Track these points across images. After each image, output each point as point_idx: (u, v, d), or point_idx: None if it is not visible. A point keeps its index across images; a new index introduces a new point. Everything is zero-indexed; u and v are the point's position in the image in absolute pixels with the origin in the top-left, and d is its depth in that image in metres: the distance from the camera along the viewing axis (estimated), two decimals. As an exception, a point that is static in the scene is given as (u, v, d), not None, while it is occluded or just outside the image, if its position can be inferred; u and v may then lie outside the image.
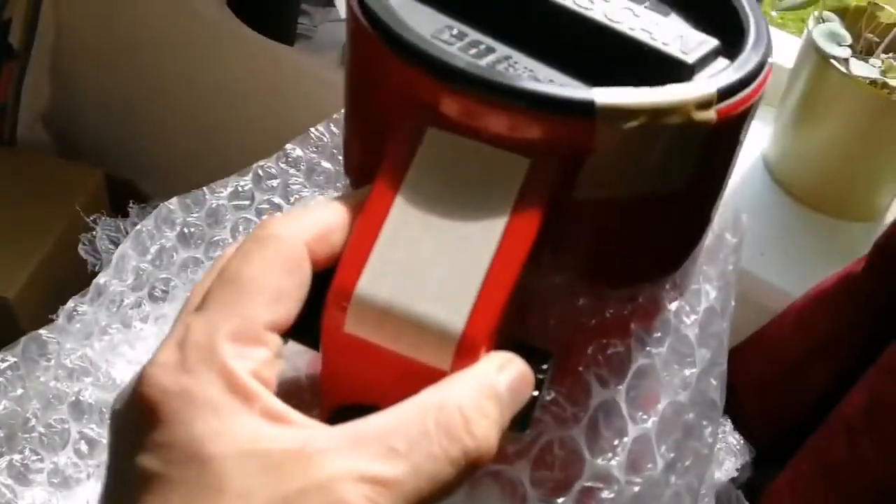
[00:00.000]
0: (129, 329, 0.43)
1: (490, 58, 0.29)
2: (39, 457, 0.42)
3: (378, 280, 0.25)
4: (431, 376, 0.25)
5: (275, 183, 0.50)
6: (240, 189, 0.49)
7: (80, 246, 0.50)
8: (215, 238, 0.49)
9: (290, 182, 0.50)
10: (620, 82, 0.26)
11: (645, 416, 0.33)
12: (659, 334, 0.33)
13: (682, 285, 0.33)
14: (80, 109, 1.20)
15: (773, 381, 0.57)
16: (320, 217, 0.27)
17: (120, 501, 0.23)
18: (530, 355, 0.27)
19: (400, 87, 0.27)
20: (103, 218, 0.54)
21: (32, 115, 1.17)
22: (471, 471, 0.24)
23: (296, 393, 0.29)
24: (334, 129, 0.51)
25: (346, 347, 0.26)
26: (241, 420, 0.23)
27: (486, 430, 0.24)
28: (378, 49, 0.27)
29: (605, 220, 0.28)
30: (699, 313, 0.34)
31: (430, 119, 0.27)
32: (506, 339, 0.26)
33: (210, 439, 0.22)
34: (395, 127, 0.27)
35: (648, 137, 0.26)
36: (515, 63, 0.29)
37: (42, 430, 0.43)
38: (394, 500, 0.22)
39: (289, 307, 0.25)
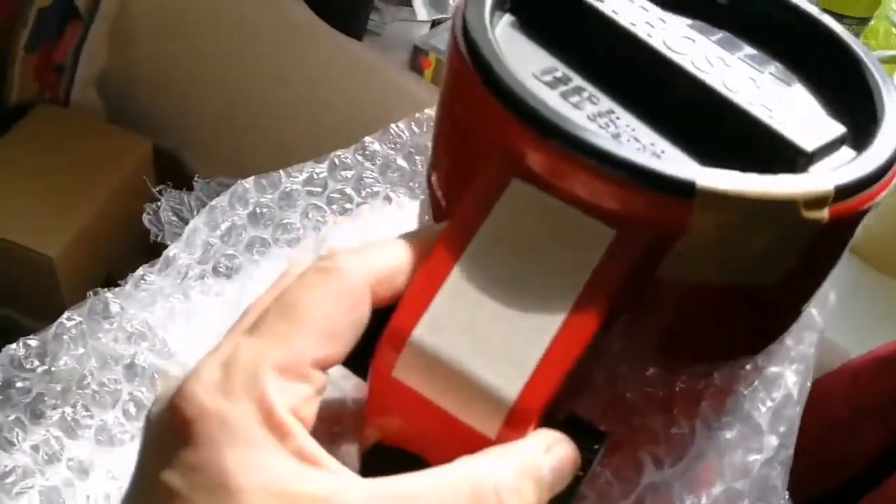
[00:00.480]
0: (188, 300, 0.42)
1: (591, 109, 0.27)
2: (90, 413, 0.42)
3: (436, 330, 0.24)
4: (475, 440, 0.24)
5: (349, 174, 0.50)
6: (315, 176, 0.49)
7: (145, 215, 0.50)
8: (285, 221, 0.49)
9: (364, 175, 0.50)
10: (729, 157, 0.25)
11: (696, 500, 0.32)
12: (729, 418, 0.32)
13: (763, 367, 0.32)
14: (135, 78, 1.20)
15: (823, 438, 0.56)
16: (387, 257, 0.26)
17: None
18: (582, 432, 0.25)
19: (491, 129, 0.26)
20: (169, 190, 0.54)
21: (87, 78, 1.17)
22: None
23: (338, 417, 0.29)
24: (414, 128, 0.51)
25: (393, 391, 0.25)
26: (273, 456, 0.22)
27: None
28: (475, 86, 0.26)
29: (686, 302, 0.27)
30: (775, 400, 0.33)
31: (518, 169, 0.25)
32: (560, 412, 0.25)
33: (239, 471, 0.22)
34: (481, 169, 0.26)
35: (748, 228, 0.24)
36: (617, 119, 0.27)
37: (95, 387, 0.43)
38: None
39: (341, 346, 0.25)
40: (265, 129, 1.06)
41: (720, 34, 0.30)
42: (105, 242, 0.96)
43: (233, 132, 1.12)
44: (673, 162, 0.25)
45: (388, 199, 0.50)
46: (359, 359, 0.25)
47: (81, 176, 1.02)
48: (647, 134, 0.27)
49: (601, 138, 0.24)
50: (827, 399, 0.57)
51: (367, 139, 0.50)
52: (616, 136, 0.26)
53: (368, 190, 0.50)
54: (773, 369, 0.33)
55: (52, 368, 0.42)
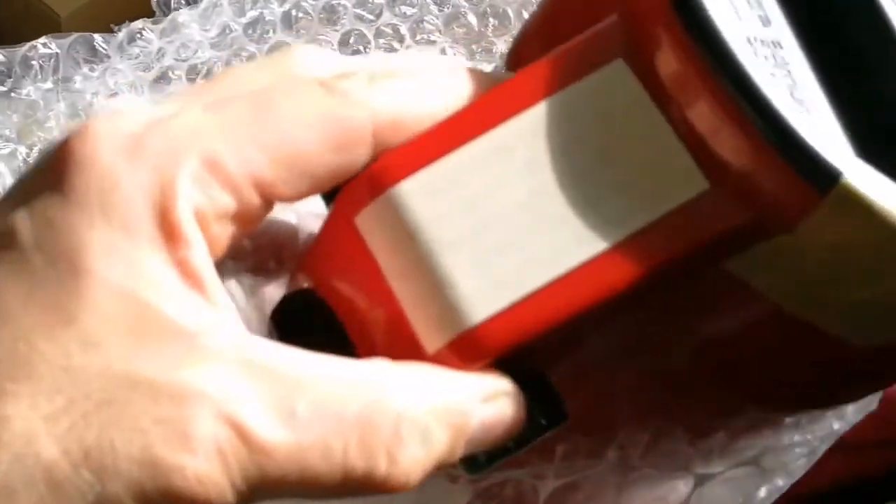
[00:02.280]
0: (166, 85, 0.37)
1: (755, 28, 0.20)
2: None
3: (430, 193, 0.19)
4: (408, 344, 0.19)
5: (410, 11, 0.43)
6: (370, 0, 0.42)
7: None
8: (321, 36, 0.43)
9: (426, 18, 0.43)
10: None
11: None
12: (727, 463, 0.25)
13: (806, 427, 0.26)
14: None
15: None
16: (418, 97, 0.20)
17: None
18: (541, 400, 0.20)
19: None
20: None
21: None
22: (364, 492, 0.18)
23: (280, 249, 0.23)
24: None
25: (345, 239, 0.20)
26: (146, 254, 0.17)
27: (411, 463, 0.18)
28: None
29: (745, 322, 0.21)
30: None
31: (634, 49, 0.19)
32: (530, 364, 0.20)
33: (97, 252, 0.17)
34: (588, 29, 0.20)
35: (877, 257, 0.18)
36: (782, 58, 0.20)
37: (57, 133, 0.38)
38: (246, 467, 0.17)
39: (304, 182, 0.19)
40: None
41: None
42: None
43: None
44: (823, 133, 0.18)
45: (443, 52, 0.43)
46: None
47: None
48: (806, 81, 0.20)
49: (754, 68, 0.18)
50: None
51: (444, -20, 0.44)
52: (770, 73, 0.19)
53: (426, 37, 0.44)
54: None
55: (13, 94, 0.37)
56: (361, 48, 0.43)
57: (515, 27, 0.43)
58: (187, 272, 0.18)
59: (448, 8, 0.44)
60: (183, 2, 0.40)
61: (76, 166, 0.18)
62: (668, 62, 0.18)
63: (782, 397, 0.23)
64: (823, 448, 0.25)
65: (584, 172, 0.18)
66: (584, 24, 0.20)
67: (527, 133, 0.19)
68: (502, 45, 0.43)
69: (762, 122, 0.17)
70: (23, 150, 0.38)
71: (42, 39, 0.36)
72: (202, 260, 0.18)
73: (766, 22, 0.20)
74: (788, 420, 0.25)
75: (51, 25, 0.38)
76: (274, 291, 0.24)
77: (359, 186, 0.20)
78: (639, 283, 0.18)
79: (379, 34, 0.43)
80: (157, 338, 0.17)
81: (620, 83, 0.19)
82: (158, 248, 0.18)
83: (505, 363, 0.19)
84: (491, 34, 0.44)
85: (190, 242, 0.18)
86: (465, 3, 0.43)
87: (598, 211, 0.18)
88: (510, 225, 0.18)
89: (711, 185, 0.18)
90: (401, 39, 0.43)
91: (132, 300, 0.17)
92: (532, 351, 0.19)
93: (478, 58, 0.43)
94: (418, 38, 0.43)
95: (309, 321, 0.21)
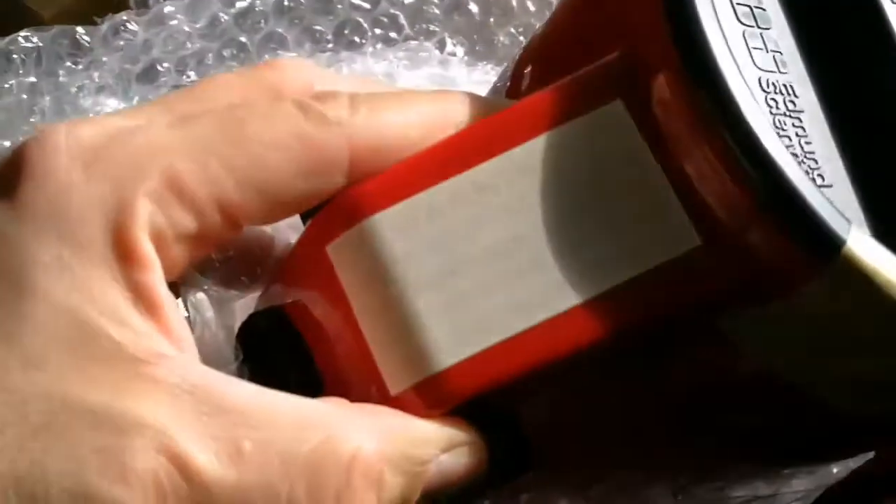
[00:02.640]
0: (154, 78, 0.35)
1: (765, 72, 0.18)
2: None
3: (407, 227, 0.18)
4: (372, 381, 0.18)
5: (408, 0, 0.42)
6: (367, -12, 0.41)
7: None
8: (316, 26, 0.41)
9: (425, 7, 0.42)
10: None
11: None
12: None
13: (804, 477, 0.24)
14: None
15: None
16: (404, 122, 0.19)
17: None
18: (507, 446, 0.19)
19: (634, 19, 0.18)
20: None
21: None
22: None
23: (255, 264, 0.22)
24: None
25: (316, 265, 0.19)
26: (98, 274, 0.16)
27: None
28: None
29: (731, 380, 0.19)
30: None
31: (631, 92, 0.18)
32: (497, 410, 0.19)
33: (46, 270, 0.16)
34: (588, 64, 0.18)
35: (877, 332, 0.17)
36: (794, 97, 0.18)
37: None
38: (185, 500, 0.15)
39: (272, 208, 0.18)
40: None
41: None
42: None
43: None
44: (830, 195, 0.17)
45: (442, 43, 0.42)
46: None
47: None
48: (818, 131, 0.18)
49: (760, 121, 0.16)
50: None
51: (446, -33, 0.42)
52: (780, 126, 0.17)
53: (424, 27, 0.42)
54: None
55: (-6, 92, 0.36)
56: (357, 39, 0.41)
57: (519, 18, 0.42)
58: (141, 296, 0.17)
59: (449, -3, 0.42)
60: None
61: (29, 177, 0.17)
62: (667, 109, 0.17)
63: (773, 454, 0.21)
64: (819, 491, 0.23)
65: (569, 219, 0.17)
66: (585, 54, 0.19)
67: (512, 172, 0.18)
68: (504, 38, 0.41)
69: (762, 182, 0.16)
70: (6, 144, 0.37)
71: (23, 32, 0.35)
72: (157, 283, 0.17)
73: (781, 65, 0.18)
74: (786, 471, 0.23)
75: (33, 24, 0.37)
76: (246, 306, 0.23)
77: (334, 214, 0.19)
78: (614, 339, 0.17)
79: (376, 24, 0.41)
80: (101, 363, 0.16)
81: (616, 126, 0.17)
82: (111, 268, 0.17)
83: (472, 406, 0.18)
84: (493, 25, 0.42)
85: (145, 265, 0.17)
86: (467, -9, 0.42)
87: (579, 260, 0.17)
88: (486, 269, 0.17)
89: (704, 242, 0.17)
90: (399, 29, 0.42)
91: (78, 322, 0.16)
92: (502, 395, 0.18)
93: (478, 50, 0.41)
94: (417, 28, 0.41)
95: (275, 341, 0.20)
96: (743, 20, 0.18)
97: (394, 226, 0.18)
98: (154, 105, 0.19)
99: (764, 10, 0.19)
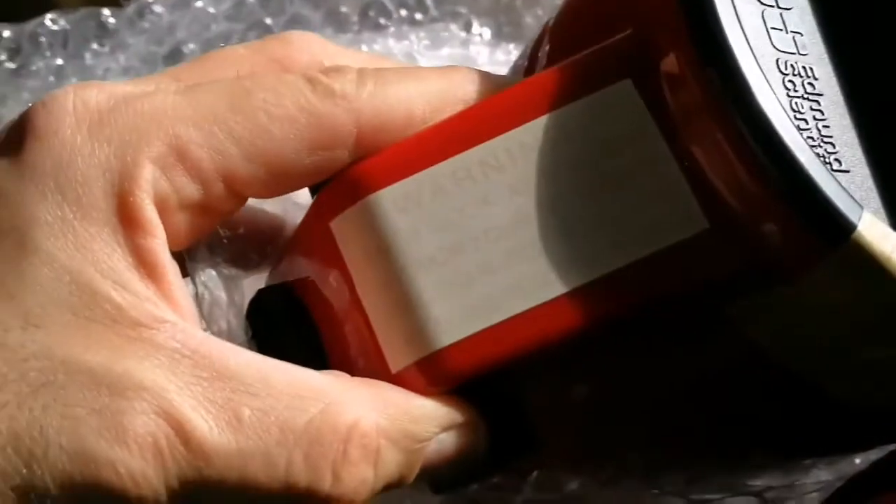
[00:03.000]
0: (181, 60, 0.36)
1: (785, 53, 0.17)
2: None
3: (410, 205, 0.18)
4: (374, 357, 0.18)
5: (435, -19, 0.41)
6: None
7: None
8: (342, 8, 0.41)
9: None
10: None
11: None
12: None
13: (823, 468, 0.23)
14: None
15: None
16: (410, 98, 0.18)
17: None
18: (509, 430, 0.19)
19: (642, 3, 0.18)
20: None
21: None
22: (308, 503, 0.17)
23: (265, 242, 0.22)
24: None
25: (320, 241, 0.19)
26: (100, 236, 0.16)
27: (357, 483, 0.17)
28: None
29: (740, 369, 0.19)
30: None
31: (641, 71, 0.17)
32: (503, 390, 0.19)
33: (48, 230, 0.16)
34: (600, 42, 0.18)
35: (886, 320, 0.16)
36: (812, 90, 0.17)
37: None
38: (183, 468, 0.16)
39: (280, 181, 0.18)
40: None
41: None
42: None
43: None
44: (845, 181, 0.16)
45: (468, 25, 0.41)
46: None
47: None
48: (838, 114, 0.17)
49: (774, 102, 0.16)
50: None
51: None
52: (797, 109, 0.17)
53: (449, 7, 0.42)
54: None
55: (22, 71, 0.36)
56: (382, 20, 0.41)
57: (546, 0, 0.41)
58: (142, 260, 0.17)
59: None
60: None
61: (35, 138, 0.17)
62: (678, 89, 0.16)
63: (790, 444, 0.21)
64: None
65: (575, 199, 0.17)
66: (598, 34, 0.19)
67: (518, 151, 0.17)
68: (531, 19, 0.41)
69: (773, 166, 0.15)
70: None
71: (50, 15, 0.35)
72: (160, 249, 0.17)
73: (801, 46, 0.18)
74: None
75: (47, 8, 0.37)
76: (255, 284, 0.23)
77: (338, 189, 0.19)
78: (618, 320, 0.17)
79: (401, 4, 0.41)
80: (102, 324, 0.16)
81: (625, 106, 0.17)
82: (114, 231, 0.17)
83: (474, 386, 0.18)
84: (520, 6, 0.41)
85: (148, 230, 0.17)
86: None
87: (584, 242, 0.17)
88: (489, 248, 0.17)
89: (712, 225, 0.16)
90: (424, 10, 0.41)
91: (79, 283, 0.16)
92: (506, 375, 0.18)
93: (505, 31, 0.41)
94: (441, 9, 0.41)
95: (283, 319, 0.20)
96: (763, 0, 0.18)
97: (397, 202, 0.18)
98: (163, 75, 0.19)
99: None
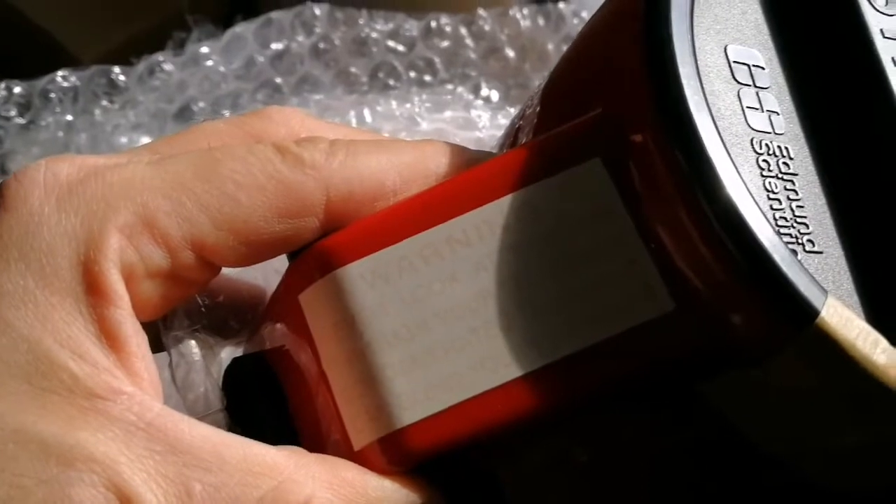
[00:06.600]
0: (190, 118, 0.36)
1: (761, 133, 0.17)
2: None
3: (378, 280, 0.17)
4: (337, 433, 0.18)
5: (445, 44, 0.42)
6: (402, 31, 0.41)
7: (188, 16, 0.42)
8: (351, 69, 0.41)
9: (459, 51, 0.41)
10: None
11: None
12: None
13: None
14: None
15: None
16: (384, 170, 0.18)
17: None
18: (475, 499, 0.18)
19: (616, 80, 0.18)
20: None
21: None
22: None
23: (246, 309, 0.22)
24: (539, 19, 0.42)
25: (289, 312, 0.18)
26: (64, 307, 0.16)
27: None
28: (630, 26, 0.17)
29: (718, 445, 0.18)
30: None
31: (610, 151, 0.17)
32: (474, 466, 0.18)
33: (12, 298, 0.16)
34: (581, 112, 0.18)
35: (852, 405, 0.16)
36: (787, 170, 0.17)
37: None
38: None
39: (248, 251, 0.18)
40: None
41: None
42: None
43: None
44: (821, 260, 0.16)
45: (477, 87, 0.41)
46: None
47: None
48: (812, 194, 0.17)
49: (740, 186, 0.15)
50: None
51: (481, 12, 0.42)
52: (770, 189, 0.17)
53: (460, 71, 0.42)
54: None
55: (32, 126, 0.37)
56: (392, 81, 0.41)
57: (555, 63, 0.41)
58: (105, 330, 0.17)
59: (485, 42, 0.42)
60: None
61: (4, 209, 0.17)
62: (646, 170, 0.16)
63: None
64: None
65: (540, 278, 0.17)
66: (578, 106, 0.18)
67: (486, 228, 0.17)
68: (540, 81, 0.41)
69: (737, 250, 0.15)
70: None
71: (61, 72, 0.36)
72: (123, 318, 0.17)
73: (777, 125, 0.17)
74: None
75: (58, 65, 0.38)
76: (233, 352, 0.23)
77: (306, 262, 0.18)
78: (582, 402, 0.16)
79: (411, 67, 0.42)
80: (57, 395, 0.16)
81: (594, 185, 0.17)
82: (76, 300, 0.17)
83: (446, 463, 0.17)
84: (529, 70, 0.42)
85: (112, 298, 0.17)
86: (502, 37, 0.41)
87: (549, 320, 0.16)
88: (454, 326, 0.17)
89: (677, 306, 0.16)
90: (434, 73, 0.42)
91: (37, 352, 0.16)
92: (479, 452, 0.17)
93: (512, 94, 0.41)
94: (452, 71, 0.41)
95: (254, 389, 0.20)
96: (739, 79, 0.17)
97: (364, 277, 0.17)
98: (141, 147, 0.19)
99: (763, 69, 0.18)
